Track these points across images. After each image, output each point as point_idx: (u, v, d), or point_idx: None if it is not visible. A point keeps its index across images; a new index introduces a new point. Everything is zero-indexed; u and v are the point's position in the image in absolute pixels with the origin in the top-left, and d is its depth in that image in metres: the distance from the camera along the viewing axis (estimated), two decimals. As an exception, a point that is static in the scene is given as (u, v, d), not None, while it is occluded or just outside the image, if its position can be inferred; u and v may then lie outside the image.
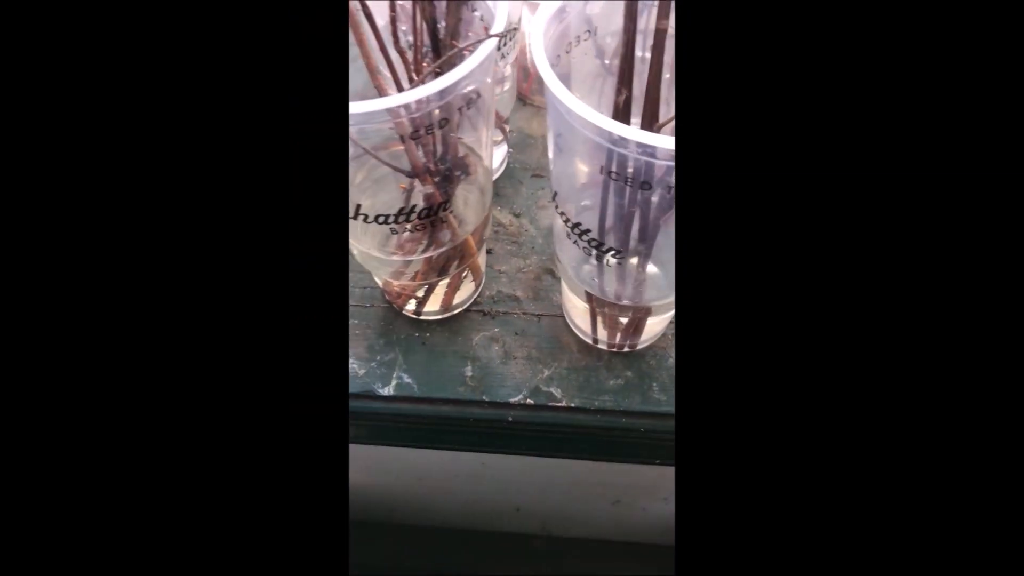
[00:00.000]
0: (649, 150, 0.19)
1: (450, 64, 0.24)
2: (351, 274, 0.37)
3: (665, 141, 0.19)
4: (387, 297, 0.35)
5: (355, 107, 0.20)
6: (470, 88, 0.24)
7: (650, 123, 0.25)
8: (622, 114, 0.24)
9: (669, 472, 0.38)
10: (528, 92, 0.44)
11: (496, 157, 0.40)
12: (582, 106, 0.19)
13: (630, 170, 0.21)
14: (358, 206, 0.27)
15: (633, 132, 0.19)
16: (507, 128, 0.40)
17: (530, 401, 0.32)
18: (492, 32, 0.21)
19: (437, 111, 0.24)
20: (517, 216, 0.39)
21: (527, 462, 0.45)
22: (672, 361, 0.33)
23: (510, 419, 0.32)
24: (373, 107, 0.21)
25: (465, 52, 0.22)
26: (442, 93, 0.22)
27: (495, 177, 0.41)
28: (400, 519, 0.64)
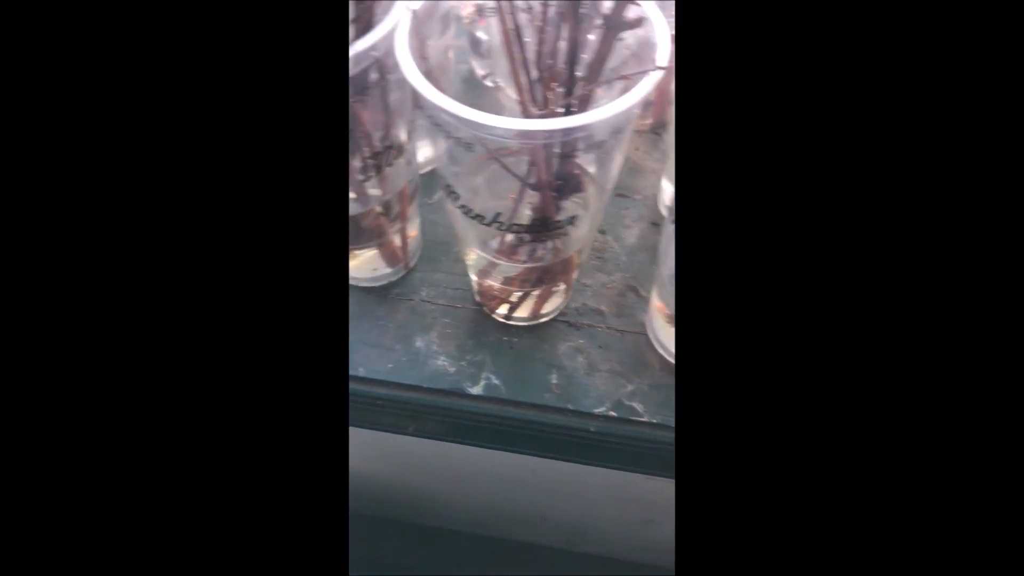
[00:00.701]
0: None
1: (585, 96, 0.26)
2: (442, 275, 0.38)
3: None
4: (480, 299, 0.36)
5: (514, 123, 0.22)
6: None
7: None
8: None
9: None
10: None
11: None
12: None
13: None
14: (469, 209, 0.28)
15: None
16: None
17: (613, 414, 0.33)
18: (659, 64, 0.23)
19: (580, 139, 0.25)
20: (603, 232, 0.40)
21: (566, 471, 0.46)
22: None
23: (592, 429, 0.33)
24: (532, 126, 0.22)
25: (627, 79, 0.23)
26: (600, 123, 0.23)
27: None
28: (424, 520, 0.64)
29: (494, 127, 0.22)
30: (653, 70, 0.22)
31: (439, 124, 0.24)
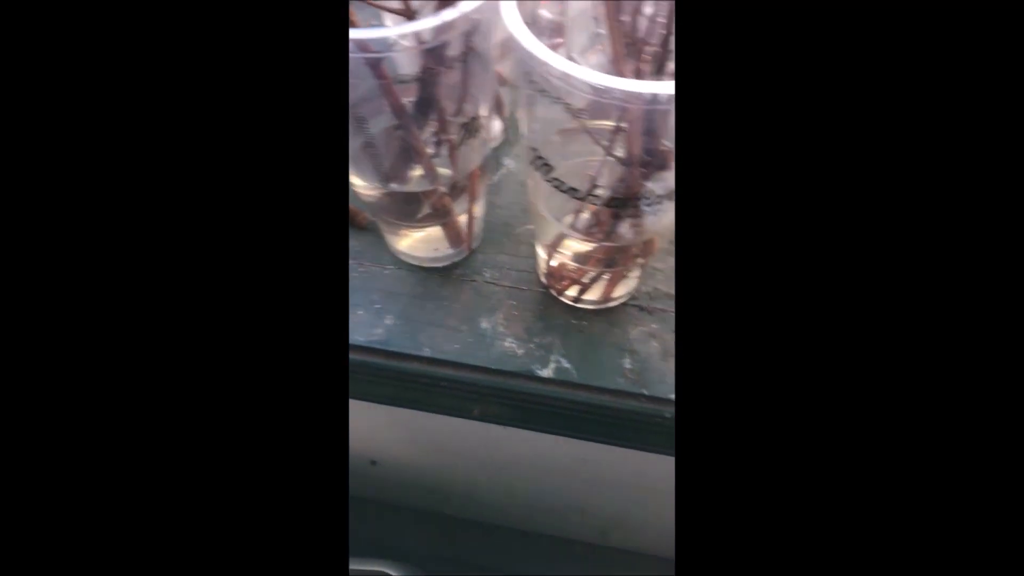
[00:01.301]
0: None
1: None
2: (506, 257, 0.37)
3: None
4: (547, 281, 0.35)
5: (598, 77, 0.21)
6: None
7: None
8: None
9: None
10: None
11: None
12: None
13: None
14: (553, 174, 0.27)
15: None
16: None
17: (689, 400, 0.32)
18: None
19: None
20: (669, 217, 0.39)
21: (619, 461, 0.45)
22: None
23: (667, 415, 0.32)
24: (621, 85, 0.21)
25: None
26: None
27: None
28: (453, 510, 0.64)
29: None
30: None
31: (547, 90, 0.23)
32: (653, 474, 0.45)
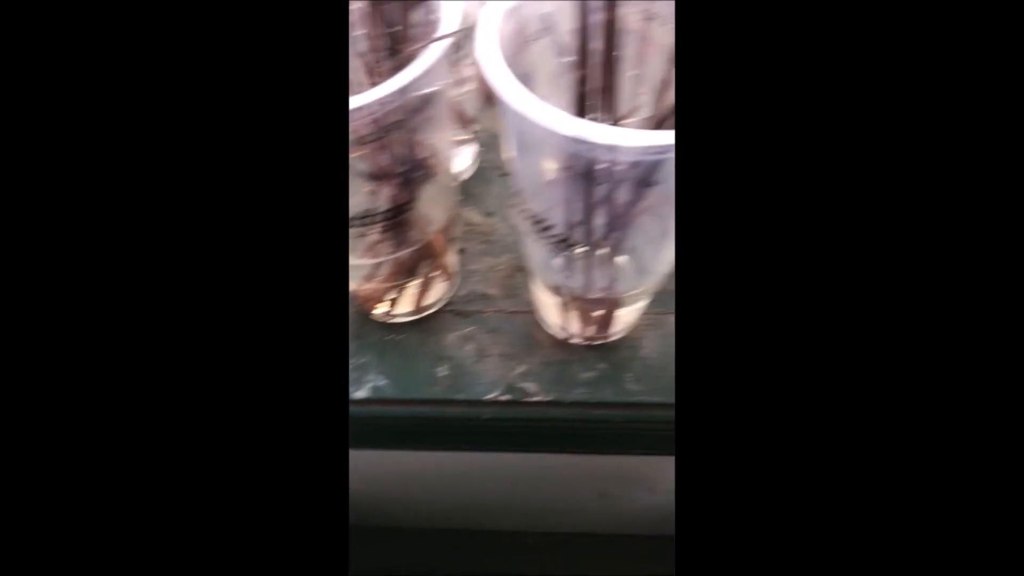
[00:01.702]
0: (613, 148, 0.19)
1: (406, 60, 0.24)
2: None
3: (627, 137, 0.19)
4: (359, 301, 0.35)
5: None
6: (427, 90, 0.24)
7: (611, 116, 0.25)
8: (581, 110, 0.24)
9: (652, 462, 0.38)
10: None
11: (465, 157, 0.40)
12: (540, 108, 0.19)
13: (595, 166, 0.21)
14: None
15: (594, 131, 0.19)
16: (475, 128, 0.40)
17: (505, 397, 0.32)
18: (440, 33, 0.21)
19: (394, 114, 0.24)
20: (489, 215, 0.39)
21: (509, 460, 0.45)
22: (646, 351, 0.33)
23: (486, 417, 0.32)
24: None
25: (418, 54, 0.22)
26: (398, 94, 0.22)
27: (465, 177, 0.41)
28: (389, 522, 0.64)
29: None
30: (436, 39, 0.21)
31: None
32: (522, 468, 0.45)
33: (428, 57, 0.22)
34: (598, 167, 0.22)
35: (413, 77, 0.21)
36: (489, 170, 0.41)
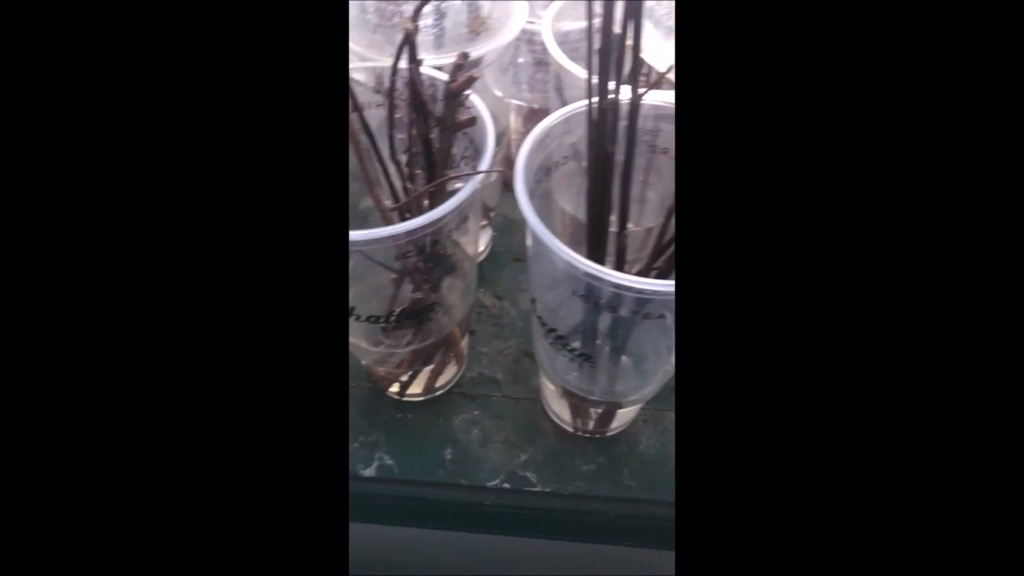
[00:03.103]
0: (623, 287, 0.21)
1: (441, 184, 0.27)
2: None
3: (636, 281, 0.21)
4: (371, 378, 0.36)
5: (353, 235, 0.22)
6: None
7: (622, 227, 0.27)
8: (597, 234, 0.27)
9: (647, 552, 0.39)
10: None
11: (481, 242, 0.43)
12: (559, 245, 0.22)
13: (602, 299, 0.23)
14: (352, 307, 0.28)
15: (607, 273, 0.21)
16: (492, 214, 0.42)
17: (507, 485, 0.33)
18: (481, 168, 0.24)
19: (431, 235, 0.26)
20: (499, 298, 0.40)
21: (508, 543, 0.46)
22: (643, 447, 0.34)
23: (487, 503, 0.33)
24: (366, 236, 0.23)
25: (456, 180, 0.24)
26: (433, 224, 0.23)
27: (479, 260, 0.43)
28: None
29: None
30: (476, 174, 0.23)
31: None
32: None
33: (464, 192, 0.24)
34: (607, 299, 0.24)
35: (448, 210, 0.23)
36: (502, 254, 0.43)
